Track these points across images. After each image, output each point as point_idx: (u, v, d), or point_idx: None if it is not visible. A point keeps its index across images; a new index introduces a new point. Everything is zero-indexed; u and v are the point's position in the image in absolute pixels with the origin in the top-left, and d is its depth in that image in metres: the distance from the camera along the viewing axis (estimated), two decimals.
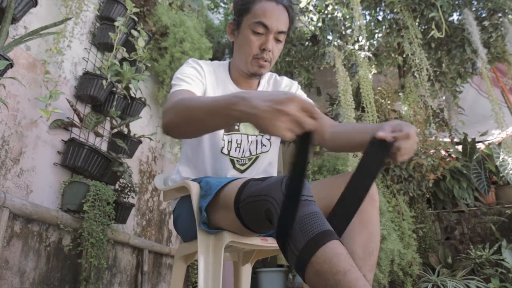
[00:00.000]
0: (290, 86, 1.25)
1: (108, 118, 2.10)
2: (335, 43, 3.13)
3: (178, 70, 1.11)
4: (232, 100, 0.66)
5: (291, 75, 3.43)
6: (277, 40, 1.06)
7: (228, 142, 1.11)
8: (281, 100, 0.59)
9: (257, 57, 1.06)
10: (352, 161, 2.63)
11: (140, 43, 2.10)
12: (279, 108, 0.58)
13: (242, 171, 1.14)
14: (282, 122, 0.58)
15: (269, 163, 1.21)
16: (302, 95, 1.24)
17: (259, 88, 1.20)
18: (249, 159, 1.16)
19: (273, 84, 1.24)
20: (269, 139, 1.19)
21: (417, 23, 3.09)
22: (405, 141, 0.80)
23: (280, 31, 1.04)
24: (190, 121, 0.78)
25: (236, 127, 1.13)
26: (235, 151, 1.12)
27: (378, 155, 0.80)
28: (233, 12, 1.12)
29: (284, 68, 3.42)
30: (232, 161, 1.13)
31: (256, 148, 1.16)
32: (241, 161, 1.14)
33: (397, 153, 0.81)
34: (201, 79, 1.09)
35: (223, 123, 0.72)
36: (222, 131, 1.11)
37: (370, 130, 0.90)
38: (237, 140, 1.12)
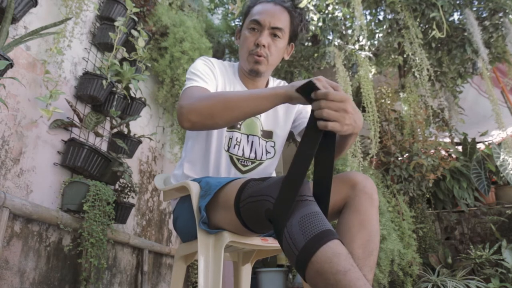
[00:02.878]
0: None
1: (108, 118, 2.10)
2: (336, 43, 3.13)
3: (191, 65, 1.14)
4: (277, 87, 0.87)
5: (291, 75, 3.43)
6: (274, 36, 1.10)
7: (229, 138, 1.13)
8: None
9: (252, 52, 1.10)
10: (351, 161, 2.63)
11: (140, 43, 2.10)
12: (313, 77, 0.79)
13: (243, 172, 1.15)
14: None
15: (270, 173, 1.24)
16: (306, 106, 1.27)
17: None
18: (252, 162, 1.16)
19: None
20: (273, 146, 1.20)
21: (417, 23, 3.09)
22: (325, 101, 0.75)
23: (275, 26, 1.09)
24: (228, 109, 0.88)
25: (238, 126, 1.15)
26: (234, 148, 1.13)
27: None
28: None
29: (284, 68, 3.42)
30: (231, 158, 1.13)
31: (262, 154, 1.17)
32: (243, 161, 1.15)
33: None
34: (214, 77, 1.12)
35: (267, 104, 0.85)
36: (225, 128, 1.12)
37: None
38: (237, 138, 1.14)
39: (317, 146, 0.76)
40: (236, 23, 3.63)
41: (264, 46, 1.08)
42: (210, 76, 1.09)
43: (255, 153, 1.16)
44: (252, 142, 1.16)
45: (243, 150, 1.14)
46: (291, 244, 0.70)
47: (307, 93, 0.79)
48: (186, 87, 1.04)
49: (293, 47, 1.21)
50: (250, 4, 1.15)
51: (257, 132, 1.17)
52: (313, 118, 0.77)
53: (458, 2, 3.07)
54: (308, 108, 1.26)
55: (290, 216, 0.73)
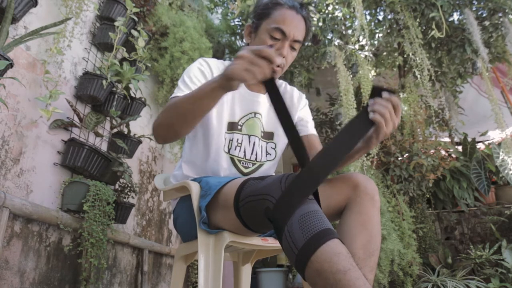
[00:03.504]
0: (299, 99, 1.26)
1: (108, 118, 2.10)
2: (336, 43, 3.13)
3: (187, 68, 1.13)
4: (213, 78, 0.85)
5: (291, 75, 3.43)
6: (292, 48, 1.10)
7: (230, 140, 1.12)
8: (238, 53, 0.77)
9: None
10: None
11: (140, 43, 2.10)
12: (236, 56, 0.77)
13: (244, 174, 1.14)
14: (239, 65, 0.75)
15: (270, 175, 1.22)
16: (307, 112, 1.27)
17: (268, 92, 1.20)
18: (253, 164, 1.16)
19: (282, 92, 1.24)
20: (274, 148, 1.19)
21: (417, 23, 3.09)
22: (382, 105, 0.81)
23: (296, 39, 1.08)
24: (180, 115, 0.90)
25: (239, 127, 1.14)
26: (235, 149, 1.12)
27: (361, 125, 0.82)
28: (253, 16, 1.15)
29: None
30: (232, 159, 1.13)
31: (262, 156, 1.17)
32: (244, 163, 1.14)
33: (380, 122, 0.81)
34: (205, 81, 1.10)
35: (209, 100, 0.85)
36: (224, 130, 1.11)
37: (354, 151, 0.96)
38: (238, 139, 1.13)
39: (355, 145, 0.79)
40: (236, 22, 3.63)
41: (284, 57, 1.08)
42: (199, 82, 1.08)
43: (256, 154, 1.15)
44: (254, 143, 1.15)
45: (244, 152, 1.14)
46: (290, 243, 0.70)
47: (377, 93, 0.82)
48: (172, 96, 1.06)
49: None
50: (270, 4, 1.10)
51: (258, 133, 1.16)
52: (365, 116, 0.81)
53: (457, 2, 3.07)
54: (308, 116, 1.26)
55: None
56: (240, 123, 1.14)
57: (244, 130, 1.14)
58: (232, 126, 1.13)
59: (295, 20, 1.07)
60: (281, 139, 1.21)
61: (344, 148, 0.77)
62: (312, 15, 3.13)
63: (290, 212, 0.72)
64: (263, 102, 1.18)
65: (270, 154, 1.19)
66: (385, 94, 0.81)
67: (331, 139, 0.78)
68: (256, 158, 1.16)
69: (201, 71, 1.11)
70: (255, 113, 1.16)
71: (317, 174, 0.74)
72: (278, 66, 1.08)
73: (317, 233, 0.68)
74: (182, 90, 1.04)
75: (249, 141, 1.15)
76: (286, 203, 0.73)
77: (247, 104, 1.15)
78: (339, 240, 0.69)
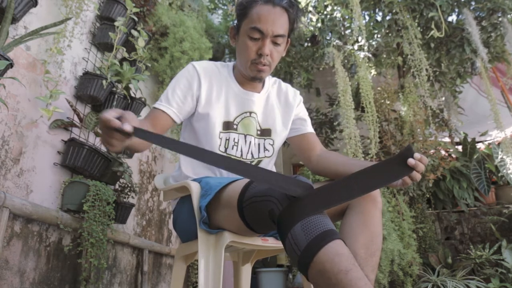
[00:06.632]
0: (294, 96, 1.25)
1: None
2: (335, 43, 3.14)
3: (176, 75, 1.14)
4: None
5: (290, 76, 3.43)
6: (275, 44, 1.06)
7: (226, 140, 1.12)
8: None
9: (255, 62, 1.06)
10: None
11: (140, 43, 2.10)
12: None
13: None
14: (103, 138, 0.78)
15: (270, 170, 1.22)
16: (302, 109, 1.26)
17: (263, 91, 1.20)
18: (251, 162, 1.15)
19: (277, 89, 1.24)
20: (272, 144, 1.19)
21: (416, 23, 3.10)
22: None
23: (277, 34, 1.04)
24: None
25: (235, 126, 1.14)
26: (232, 149, 1.12)
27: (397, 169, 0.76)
28: (235, 17, 1.14)
29: (283, 69, 3.42)
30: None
31: (259, 152, 1.16)
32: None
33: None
34: (190, 94, 1.11)
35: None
36: (218, 129, 1.11)
37: (358, 167, 0.92)
38: (234, 138, 1.13)
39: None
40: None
41: (267, 55, 1.05)
42: (176, 103, 1.09)
43: (252, 153, 1.15)
44: (250, 142, 1.15)
45: (241, 151, 1.13)
46: (293, 245, 0.70)
47: (410, 152, 0.76)
48: (153, 105, 1.10)
49: (289, 41, 1.16)
50: (245, 3, 1.08)
51: (254, 132, 1.16)
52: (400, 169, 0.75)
53: (456, 2, 3.08)
54: (305, 114, 1.25)
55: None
56: (235, 122, 1.14)
57: (239, 129, 1.14)
58: (228, 126, 1.13)
59: (272, 15, 1.03)
60: (279, 137, 1.20)
61: (370, 186, 0.75)
62: (311, 16, 3.13)
63: (297, 219, 0.72)
64: (258, 100, 1.17)
65: (268, 151, 1.18)
66: (417, 155, 0.77)
67: (358, 173, 0.74)
68: (252, 157, 1.15)
69: (188, 83, 1.11)
70: (250, 112, 1.16)
71: (336, 198, 0.73)
72: (264, 65, 1.06)
73: (319, 234, 0.68)
74: (161, 103, 1.09)
75: (245, 140, 1.14)
76: (293, 211, 0.73)
77: (242, 103, 1.15)
78: (341, 241, 0.69)
